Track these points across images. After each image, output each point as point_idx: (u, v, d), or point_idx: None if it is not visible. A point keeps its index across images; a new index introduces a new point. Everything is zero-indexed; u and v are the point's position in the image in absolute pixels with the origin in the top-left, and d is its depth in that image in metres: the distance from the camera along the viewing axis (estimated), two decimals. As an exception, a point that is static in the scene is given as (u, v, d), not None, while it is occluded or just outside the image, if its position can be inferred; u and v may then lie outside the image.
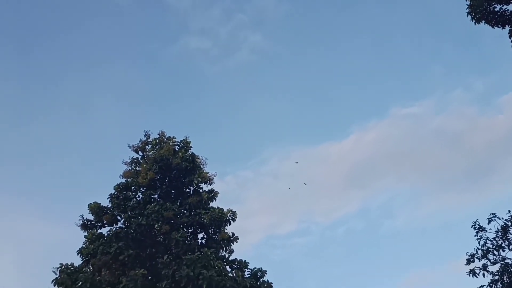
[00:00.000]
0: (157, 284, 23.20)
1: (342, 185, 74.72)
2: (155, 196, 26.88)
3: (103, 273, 24.28)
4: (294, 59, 77.11)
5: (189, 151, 27.91)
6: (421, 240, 69.20)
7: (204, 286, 22.29)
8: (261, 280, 24.46)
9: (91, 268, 24.91)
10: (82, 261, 25.08)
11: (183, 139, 28.32)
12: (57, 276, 24.37)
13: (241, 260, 25.11)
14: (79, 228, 26.13)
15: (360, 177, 74.34)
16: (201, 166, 27.69)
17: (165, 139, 28.33)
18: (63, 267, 24.45)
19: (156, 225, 25.12)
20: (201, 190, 27.34)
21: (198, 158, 27.65)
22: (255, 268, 24.78)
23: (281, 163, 74.73)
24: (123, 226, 25.64)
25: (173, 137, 28.35)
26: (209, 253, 23.34)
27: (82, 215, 26.10)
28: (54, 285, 24.36)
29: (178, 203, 26.42)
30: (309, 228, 70.71)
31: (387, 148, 74.31)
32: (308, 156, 73.11)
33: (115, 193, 26.62)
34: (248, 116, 74.54)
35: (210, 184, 27.58)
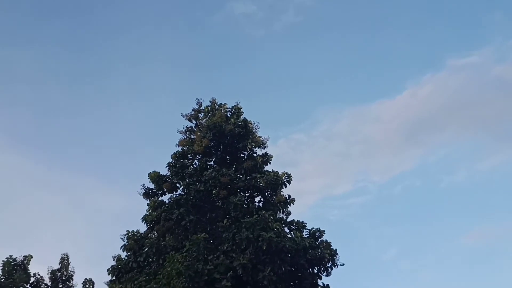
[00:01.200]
0: (219, 247, 23.99)
1: (398, 142, 73.10)
2: (211, 163, 27.48)
3: (167, 238, 25.37)
4: (341, 17, 74.82)
5: (241, 116, 28.17)
6: (484, 195, 67.08)
7: (264, 247, 22.83)
8: (319, 240, 24.74)
9: (155, 234, 26.08)
10: (146, 228, 26.28)
11: (234, 105, 28.57)
12: (125, 242, 25.74)
13: (299, 221, 25.44)
14: (141, 196, 27.25)
15: (416, 133, 72.29)
16: (254, 131, 27.91)
17: (216, 106, 28.68)
18: (129, 234, 25.76)
19: (213, 191, 25.78)
20: (255, 155, 27.68)
21: (250, 123, 27.87)
22: (313, 228, 25.04)
23: (333, 124, 73.81)
24: (183, 193, 26.48)
25: (225, 103, 28.66)
26: (267, 216, 23.76)
27: (144, 184, 27.18)
28: (123, 251, 25.81)
29: (233, 168, 26.91)
30: (365, 188, 70.09)
31: (445, 101, 71.40)
32: (361, 115, 71.75)
33: (173, 161, 27.40)
34: (298, 78, 73.61)
35: (264, 148, 27.88)
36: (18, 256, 24.28)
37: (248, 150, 27.73)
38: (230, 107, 28.61)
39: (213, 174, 25.85)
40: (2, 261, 23.86)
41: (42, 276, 24.31)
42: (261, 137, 27.85)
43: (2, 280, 23.08)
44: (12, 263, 23.87)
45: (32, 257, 24.56)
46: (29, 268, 24.26)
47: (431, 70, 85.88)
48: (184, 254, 22.72)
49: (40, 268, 24.88)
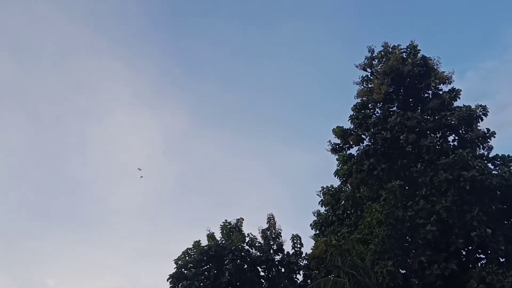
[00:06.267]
0: (416, 192, 23.38)
1: None
2: (393, 109, 26.65)
3: (361, 190, 25.66)
4: None
5: (418, 55, 26.53)
6: None
7: (467, 187, 21.51)
8: (532, 172, 22.30)
9: (349, 187, 26.60)
10: (340, 182, 26.95)
11: (409, 44, 26.99)
12: (321, 198, 26.85)
13: (504, 155, 23.26)
14: (329, 152, 27.85)
15: None
16: (435, 67, 26.10)
17: (390, 50, 27.46)
18: (325, 189, 26.77)
19: (401, 136, 25.05)
20: (440, 92, 25.97)
21: (430, 60, 26.10)
22: (523, 160, 22.64)
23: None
24: (370, 144, 26.32)
25: (398, 45, 27.26)
26: (465, 154, 22.25)
27: (329, 140, 27.70)
28: (321, 206, 26.99)
29: (419, 110, 25.69)
30: None
31: None
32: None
33: (354, 114, 27.30)
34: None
35: (449, 83, 25.93)
36: (232, 219, 27.25)
37: (432, 88, 26.10)
38: (405, 47, 27.11)
39: (398, 120, 25.06)
40: (220, 225, 27.07)
41: (255, 235, 26.87)
42: (444, 72, 25.93)
43: (223, 242, 26.24)
44: (228, 226, 26.91)
45: (243, 219, 27.32)
46: (242, 230, 27.06)
47: None
48: (382, 203, 22.75)
49: (251, 228, 27.44)
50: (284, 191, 57.29)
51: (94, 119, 59.16)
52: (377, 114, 26.81)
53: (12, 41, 58.99)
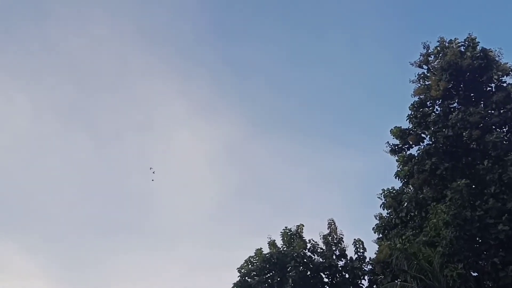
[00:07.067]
0: (484, 191, 22.38)
1: None
2: (454, 105, 25.67)
3: (424, 190, 24.85)
4: None
5: (477, 47, 25.47)
6: None
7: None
8: None
9: (411, 188, 25.81)
10: (401, 183, 26.20)
11: (467, 37, 25.97)
12: (383, 200, 26.19)
13: None
14: (388, 153, 27.16)
15: None
16: (497, 59, 25.00)
17: (446, 44, 26.52)
18: (386, 192, 26.09)
19: (464, 133, 24.09)
20: (504, 85, 24.81)
21: (491, 52, 25.01)
22: None
23: None
24: (430, 143, 25.47)
25: (455, 38, 26.29)
26: (536, 148, 21.10)
27: (388, 141, 27.01)
28: (383, 209, 26.30)
29: (482, 105, 24.65)
30: None
31: None
32: None
33: (412, 113, 26.52)
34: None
35: (514, 74, 24.71)
36: (292, 226, 27.13)
37: (495, 81, 24.97)
38: (462, 40, 26.12)
39: (459, 116, 24.12)
40: (280, 232, 27.02)
41: (316, 241, 26.63)
42: (507, 63, 24.81)
43: (284, 249, 26.17)
44: (288, 233, 26.82)
45: (303, 225, 27.14)
46: (303, 236, 26.88)
47: None
48: (447, 203, 21.94)
49: (312, 234, 27.22)
50: (342, 196, 56.56)
51: (152, 134, 61.06)
52: (437, 112, 25.94)
53: (71, 63, 62.26)
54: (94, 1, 62.24)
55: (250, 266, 25.61)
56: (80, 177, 56.95)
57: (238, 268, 25.75)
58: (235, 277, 25.70)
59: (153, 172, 28.23)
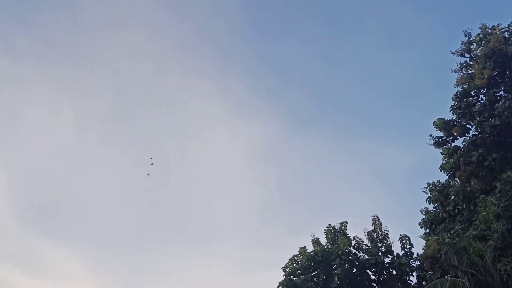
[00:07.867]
0: (537, 181, 21.41)
1: None
2: (500, 93, 24.76)
3: (472, 183, 24.10)
4: None
5: (523, 32, 24.50)
6: None
7: None
8: None
9: (458, 181, 25.07)
10: (447, 176, 25.48)
11: (511, 23, 25.02)
12: (428, 194, 25.52)
13: None
14: (432, 146, 26.45)
15: None
16: (544, 43, 23.92)
17: (489, 31, 25.63)
18: (431, 186, 25.41)
19: (512, 122, 23.23)
20: (553, 69, 23.73)
21: (537, 36, 23.96)
22: None
23: None
24: (476, 133, 24.67)
25: (498, 24, 25.40)
26: None
27: (431, 134, 26.32)
28: (429, 203, 25.65)
29: (530, 92, 23.65)
30: None
31: None
32: None
33: (455, 103, 25.74)
34: None
35: None
36: (335, 223, 26.85)
37: (543, 66, 23.93)
38: (506, 26, 25.19)
39: (506, 104, 23.23)
40: (324, 230, 26.80)
41: (360, 238, 26.26)
42: (555, 47, 23.66)
43: (329, 246, 25.92)
44: (332, 231, 26.57)
45: (347, 223, 26.84)
46: (347, 233, 26.55)
47: None
48: (498, 195, 21.11)
49: (356, 231, 26.85)
50: (385, 191, 55.61)
51: (191, 136, 61.82)
52: (482, 101, 25.08)
53: (111, 71, 63.82)
54: (131, 10, 63.65)
55: (294, 264, 25.54)
56: (125, 182, 58.39)
57: (283, 267, 25.72)
58: (280, 276, 25.70)
59: (152, 164, 30.94)
